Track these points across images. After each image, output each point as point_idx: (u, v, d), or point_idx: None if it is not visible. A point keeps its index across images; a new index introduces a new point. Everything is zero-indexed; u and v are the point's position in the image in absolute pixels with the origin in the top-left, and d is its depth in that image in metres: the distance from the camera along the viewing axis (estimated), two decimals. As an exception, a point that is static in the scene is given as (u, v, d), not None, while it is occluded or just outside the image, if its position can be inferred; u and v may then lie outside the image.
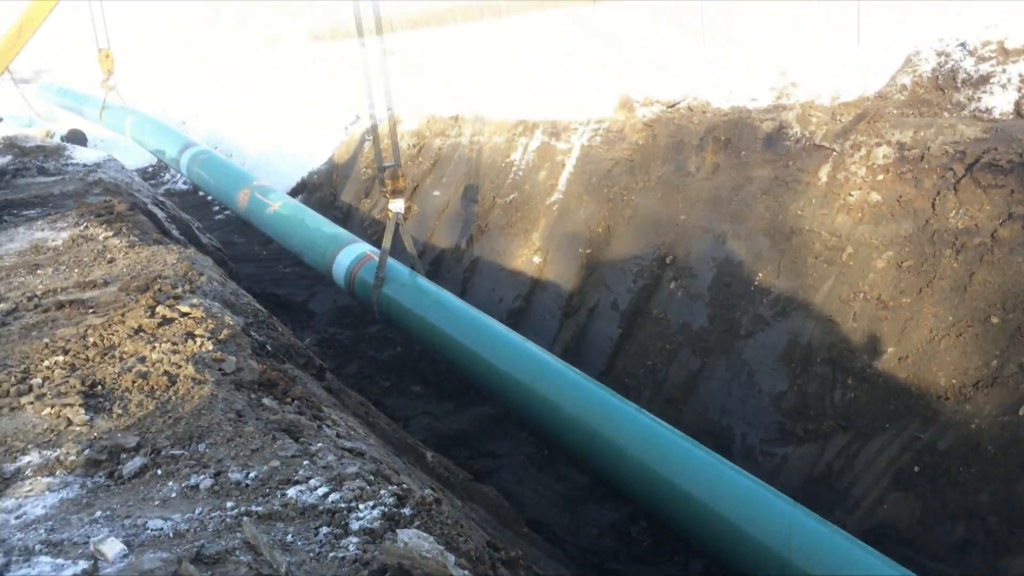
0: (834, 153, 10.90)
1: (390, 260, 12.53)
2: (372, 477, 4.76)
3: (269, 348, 7.42)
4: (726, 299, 10.88)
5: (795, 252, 10.48)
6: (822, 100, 11.79)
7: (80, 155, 19.67)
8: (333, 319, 15.07)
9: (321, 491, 4.47)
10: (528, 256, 14.48)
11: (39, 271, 8.95)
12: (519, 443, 10.78)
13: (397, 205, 12.34)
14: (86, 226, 11.04)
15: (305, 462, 4.74)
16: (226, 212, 22.79)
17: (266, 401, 5.73)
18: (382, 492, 4.51)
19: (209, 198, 24.27)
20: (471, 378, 11.09)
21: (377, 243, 13.52)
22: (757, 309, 10.39)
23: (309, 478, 4.57)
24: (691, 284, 11.44)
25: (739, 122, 12.69)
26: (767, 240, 10.94)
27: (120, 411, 5.28)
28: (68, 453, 4.77)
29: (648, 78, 17.49)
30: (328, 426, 5.75)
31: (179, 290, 7.85)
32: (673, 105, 14.18)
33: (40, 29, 12.00)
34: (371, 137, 14.05)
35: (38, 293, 8.00)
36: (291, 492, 4.42)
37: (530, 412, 9.77)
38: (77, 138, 31.21)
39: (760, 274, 10.68)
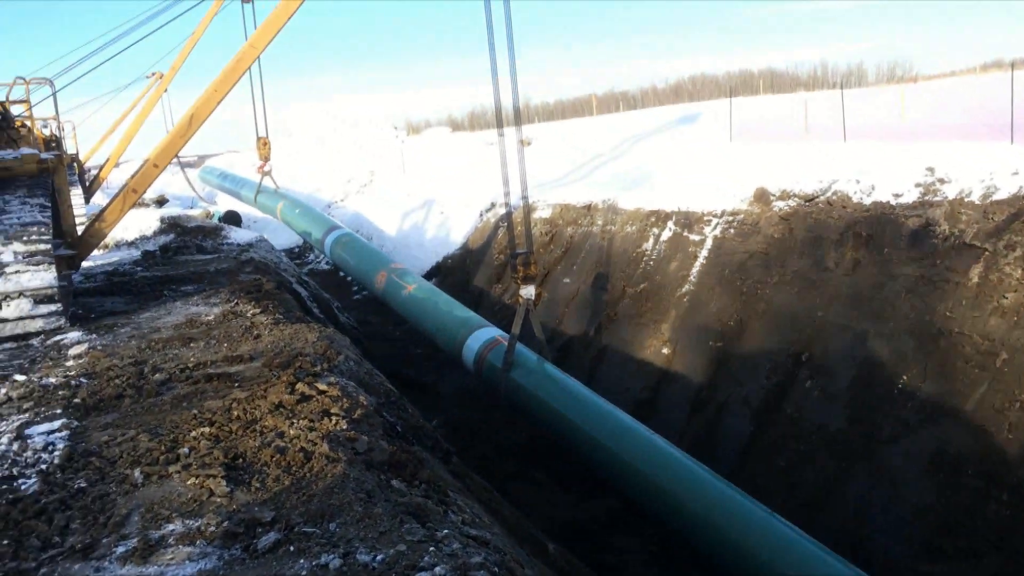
0: (986, 253, 10.38)
1: (519, 345, 12.63)
2: (496, 569, 4.72)
3: (399, 429, 7.56)
4: (866, 401, 10.37)
5: (943, 355, 9.93)
6: (972, 198, 11.31)
7: (235, 235, 21.05)
8: (461, 401, 15.25)
9: (445, 579, 4.45)
10: (657, 347, 14.31)
11: (192, 344, 9.52)
12: (644, 539, 10.45)
13: (528, 291, 12.49)
14: (236, 302, 11.72)
15: (431, 548, 4.75)
16: (364, 292, 23.68)
17: (395, 483, 5.82)
18: (505, 585, 4.45)
19: (348, 278, 25.35)
20: (596, 468, 10.92)
21: (507, 328, 13.68)
22: (901, 413, 9.85)
23: (434, 565, 4.57)
24: (828, 384, 10.99)
25: (882, 218, 12.31)
26: (912, 341, 10.42)
27: (258, 485, 5.48)
28: (209, 524, 4.97)
29: (784, 171, 17.26)
30: (454, 512, 5.77)
31: (318, 368, 8.17)
32: (811, 199, 13.91)
33: (208, 120, 13.02)
34: (505, 224, 14.43)
35: (190, 365, 8.50)
36: (416, 578, 4.43)
37: (656, 508, 9.50)
38: (233, 219, 33.50)
39: (904, 377, 10.15)
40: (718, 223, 15.28)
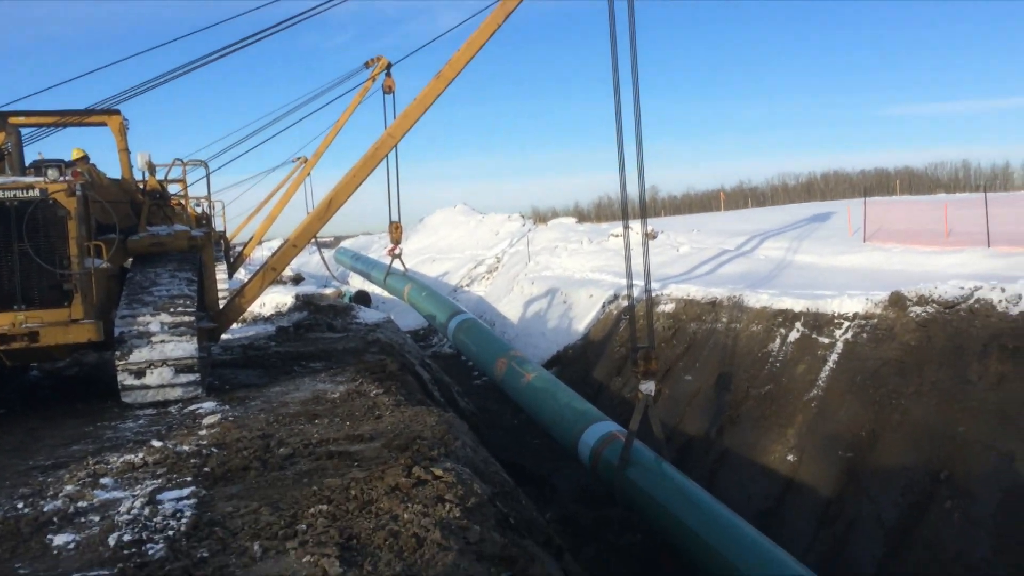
0: None
1: (636, 443, 12.36)
2: None
3: (512, 521, 7.48)
4: (1014, 529, 9.55)
5: (1103, 483, 9.11)
6: None
7: (364, 315, 21.77)
8: (574, 497, 14.97)
9: None
10: (782, 453, 13.71)
11: (316, 421, 9.80)
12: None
13: (648, 387, 12.27)
14: (360, 382, 12.02)
15: (537, 649, 4.63)
16: (484, 378, 23.87)
17: (504, 577, 5.73)
18: None
19: (470, 363, 25.65)
20: (713, 579, 10.42)
21: (625, 423, 13.44)
22: (1053, 545, 9.03)
23: (540, 668, 4.45)
24: (971, 507, 10.21)
25: (1031, 330, 11.56)
26: (1066, 465, 9.62)
27: (370, 568, 5.51)
28: (320, 603, 5.02)
29: (922, 275, 16.56)
30: (562, 612, 5.62)
31: (435, 452, 8.22)
32: (951, 306, 13.24)
33: (345, 204, 13.67)
34: (627, 317, 14.36)
35: (313, 441, 8.73)
36: None
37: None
38: (363, 299, 34.70)
39: (1057, 504, 9.34)
40: (849, 326, 14.71)
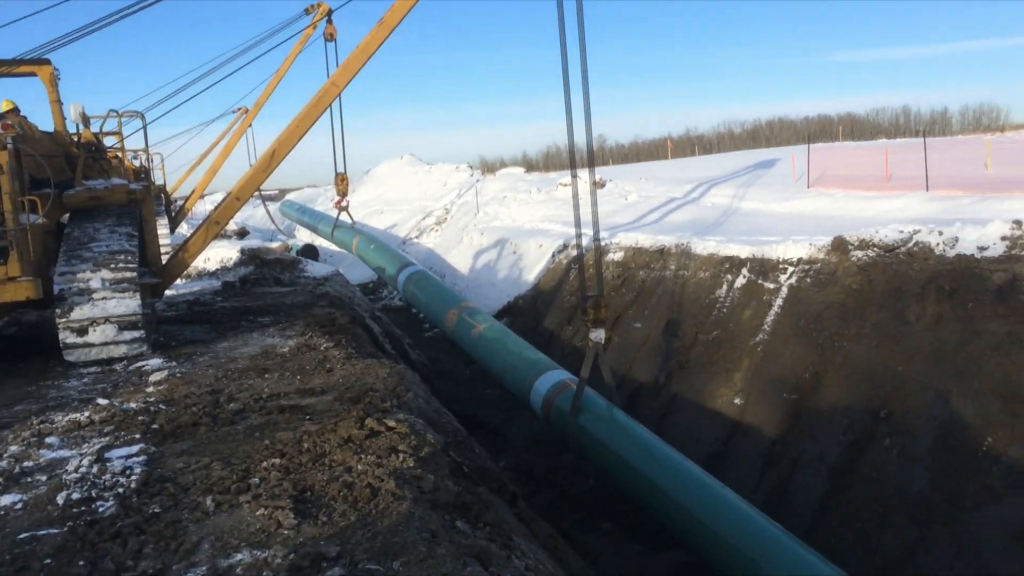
0: (1080, 312, 9.93)
1: (587, 390, 12.51)
2: (559, 618, 4.65)
3: (466, 470, 7.55)
4: (949, 464, 9.94)
5: (1033, 418, 9.49)
6: (1065, 253, 10.87)
7: (312, 268, 21.52)
8: (527, 445, 15.15)
9: (506, 625, 4.40)
10: (729, 397, 14.02)
11: (266, 375, 9.71)
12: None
13: (598, 335, 12.38)
14: (310, 335, 11.93)
15: (493, 593, 4.71)
16: (435, 330, 23.87)
17: (459, 524, 5.79)
18: (567, 636, 4.38)
19: (420, 316, 25.60)
20: (663, 520, 10.68)
21: (576, 371, 13.58)
22: (986, 479, 9.41)
23: (496, 610, 4.53)
24: (909, 443, 10.58)
25: (966, 272, 11.91)
26: (998, 401, 9.99)
27: (325, 519, 5.51)
28: (275, 555, 5.02)
29: (863, 219, 16.90)
30: (518, 556, 5.71)
31: (387, 404, 8.22)
32: (891, 249, 13.56)
33: (289, 155, 13.38)
34: (577, 266, 14.43)
35: (264, 396, 8.66)
36: (477, 623, 4.39)
37: (725, 566, 9.22)
38: (310, 253, 34.30)
39: (990, 439, 9.73)
40: (794, 271, 14.99)
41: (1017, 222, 12.28)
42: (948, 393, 10.56)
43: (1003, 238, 12.17)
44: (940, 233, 13.06)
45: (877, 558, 9.86)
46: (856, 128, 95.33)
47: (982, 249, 12.22)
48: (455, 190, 43.94)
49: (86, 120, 13.21)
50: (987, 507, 9.15)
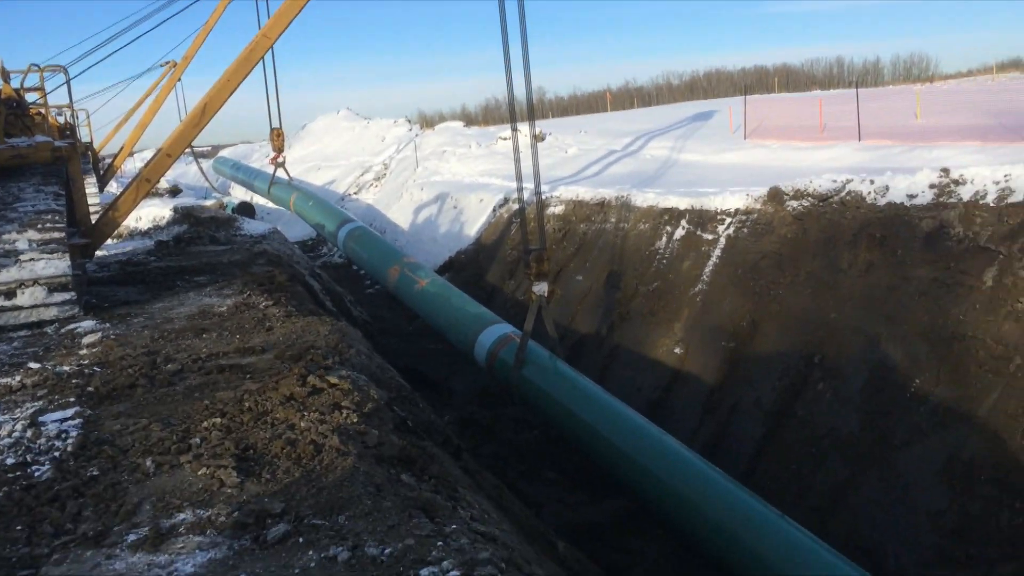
0: (1001, 256, 10.30)
1: (531, 343, 12.60)
2: (504, 565, 4.72)
3: (410, 424, 7.57)
4: (879, 405, 10.31)
5: (956, 359, 9.87)
6: (987, 200, 11.22)
7: (248, 226, 21.10)
8: (472, 398, 15.25)
9: (453, 574, 4.46)
10: (669, 346, 14.27)
11: (204, 335, 9.55)
12: (654, 540, 10.40)
13: (541, 288, 12.44)
14: (249, 294, 11.74)
15: (439, 543, 4.76)
16: (377, 287, 23.73)
17: (404, 477, 5.82)
18: (513, 581, 4.46)
19: (362, 272, 25.39)
20: (607, 468, 10.90)
21: (519, 324, 13.65)
22: (913, 418, 9.79)
23: (442, 559, 4.58)
24: (841, 387, 10.94)
25: (896, 219, 12.24)
26: (925, 344, 10.36)
27: (268, 476, 5.50)
28: (219, 514, 4.99)
29: (798, 169, 17.19)
30: (463, 507, 5.77)
31: (329, 361, 8.18)
32: (825, 199, 13.84)
33: (221, 109, 13.04)
34: (518, 220, 14.43)
35: (202, 356, 8.53)
36: (424, 572, 4.43)
37: (666, 510, 9.48)
38: (247, 210, 33.61)
39: (917, 381, 10.10)
40: (731, 222, 15.22)
41: (945, 170, 12.61)
42: (878, 337, 10.91)
43: (931, 186, 12.50)
44: (871, 182, 13.36)
45: (811, 496, 10.23)
46: (791, 79, 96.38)
47: (911, 197, 12.54)
48: (394, 145, 43.35)
49: (6, 75, 12.67)
50: (914, 445, 9.53)
